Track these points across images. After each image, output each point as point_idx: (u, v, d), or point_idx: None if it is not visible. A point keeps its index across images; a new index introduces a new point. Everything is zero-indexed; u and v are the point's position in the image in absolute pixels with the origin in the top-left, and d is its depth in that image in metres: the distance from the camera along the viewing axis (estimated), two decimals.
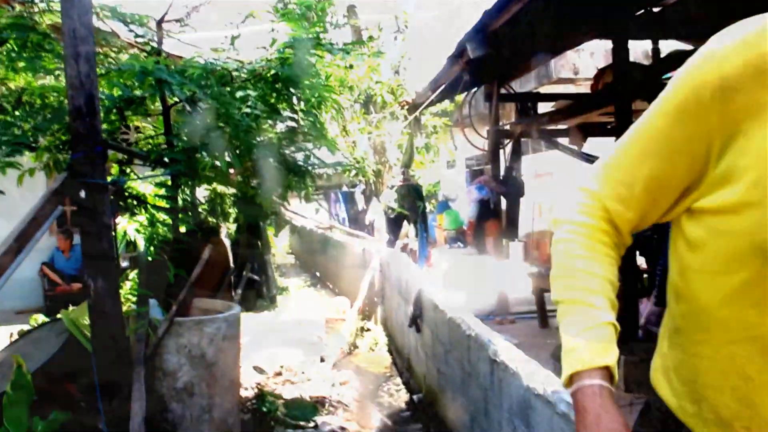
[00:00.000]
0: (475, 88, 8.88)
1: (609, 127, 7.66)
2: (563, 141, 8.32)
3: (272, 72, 4.77)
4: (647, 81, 6.28)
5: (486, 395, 4.09)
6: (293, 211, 9.11)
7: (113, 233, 3.65)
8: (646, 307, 5.89)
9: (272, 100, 4.96)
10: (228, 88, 4.53)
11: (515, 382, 3.47)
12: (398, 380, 7.39)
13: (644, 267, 6.48)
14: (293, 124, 5.22)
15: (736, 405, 1.03)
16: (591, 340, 1.07)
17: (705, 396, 1.08)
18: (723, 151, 1.02)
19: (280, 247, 20.98)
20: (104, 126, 4.45)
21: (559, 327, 1.16)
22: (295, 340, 8.93)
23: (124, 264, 6.23)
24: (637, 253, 6.07)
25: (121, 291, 4.46)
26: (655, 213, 1.15)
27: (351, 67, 12.77)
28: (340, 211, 17.67)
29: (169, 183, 4.91)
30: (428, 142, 13.73)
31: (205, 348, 4.02)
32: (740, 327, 1.02)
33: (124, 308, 4.05)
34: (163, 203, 4.93)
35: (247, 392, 6.16)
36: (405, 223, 11.28)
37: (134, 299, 4.44)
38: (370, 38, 14.08)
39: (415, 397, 6.37)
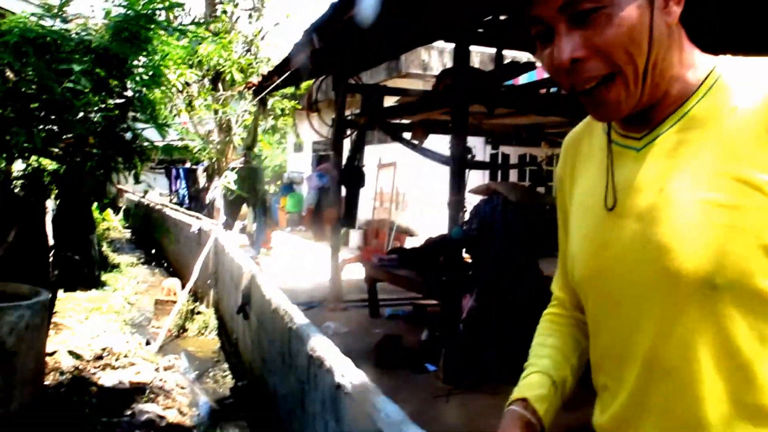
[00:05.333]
0: (324, 76, 8.88)
1: (449, 125, 7.91)
2: (407, 135, 8.49)
3: (102, 45, 4.53)
4: (485, 87, 6.53)
5: (303, 388, 4.14)
6: (123, 189, 8.70)
7: None
8: (467, 302, 6.17)
9: (102, 74, 4.71)
10: (49, 57, 4.23)
11: (328, 378, 3.54)
12: (226, 366, 7.31)
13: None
14: (123, 100, 4.98)
15: None
16: (520, 385, 1.37)
17: None
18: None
19: (116, 221, 20.03)
20: None
21: None
22: (120, 321, 8.60)
23: None
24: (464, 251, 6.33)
25: None
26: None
27: (200, 42, 12.44)
28: (180, 188, 17.11)
29: None
30: (275, 124, 13.58)
31: (5, 337, 3.77)
32: None
33: None
34: None
35: (63, 377, 5.87)
36: (244, 205, 11.11)
37: None
38: (224, 12, 13.73)
39: (239, 384, 6.33)
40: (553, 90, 7.63)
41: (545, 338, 1.45)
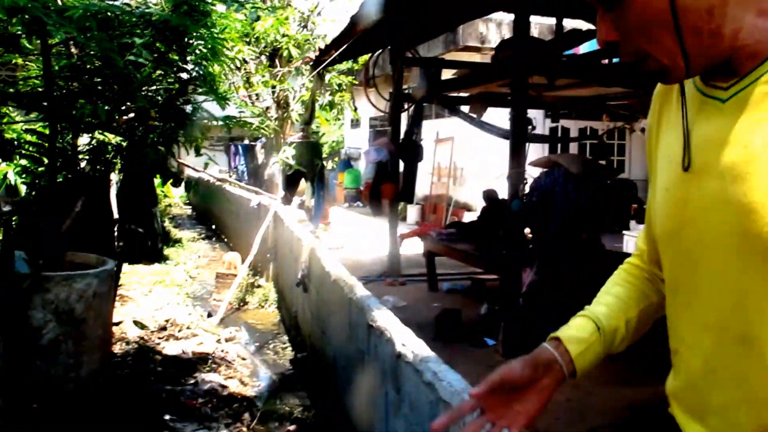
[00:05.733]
0: (380, 50, 8.82)
1: (508, 98, 7.78)
2: (465, 108, 8.38)
3: (162, 18, 4.57)
4: (546, 57, 6.38)
5: (363, 359, 4.14)
6: (184, 163, 8.86)
7: None
8: (528, 276, 6.09)
9: (162, 48, 4.76)
10: (112, 32, 4.29)
11: (388, 349, 3.52)
12: (285, 338, 7.40)
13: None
14: (184, 75, 5.04)
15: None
16: (562, 327, 1.31)
17: None
18: None
19: (177, 197, 20.48)
20: None
21: None
22: (183, 294, 8.79)
23: (5, 208, 5.93)
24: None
25: None
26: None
27: (258, 18, 12.51)
28: (239, 165, 17.37)
29: (45, 130, 4.66)
30: (332, 99, 13.61)
31: (74, 304, 3.87)
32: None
33: None
34: (32, 150, 4.69)
35: (129, 347, 6.03)
36: (302, 180, 11.19)
37: None
38: None
39: (299, 355, 6.40)
40: (615, 60, 7.43)
41: (611, 286, 1.39)
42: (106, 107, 4.26)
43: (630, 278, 1.39)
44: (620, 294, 1.36)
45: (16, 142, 4.95)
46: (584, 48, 7.84)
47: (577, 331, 1.28)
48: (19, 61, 5.54)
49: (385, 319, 3.76)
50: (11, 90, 4.92)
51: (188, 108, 5.03)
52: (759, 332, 0.98)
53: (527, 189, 6.14)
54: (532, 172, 6.45)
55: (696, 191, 1.06)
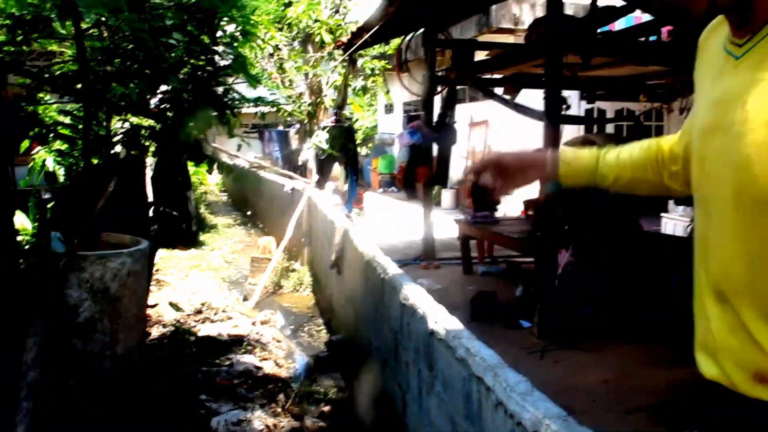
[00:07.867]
0: (413, 33, 8.75)
1: (543, 78, 7.64)
2: (499, 91, 8.26)
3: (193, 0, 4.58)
4: (580, 35, 6.25)
5: (396, 338, 4.12)
6: (219, 148, 8.91)
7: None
8: (563, 257, 5.99)
9: (195, 32, 4.76)
10: (143, 14, 4.30)
11: (421, 326, 3.49)
12: (320, 321, 7.43)
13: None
14: (217, 58, 5.05)
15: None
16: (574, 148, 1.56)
17: None
18: None
19: (213, 185, 20.69)
20: (7, 48, 4.21)
21: None
22: (219, 278, 8.87)
23: (46, 196, 6.02)
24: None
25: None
26: None
27: (290, 4, 12.50)
28: (274, 151, 17.45)
29: (80, 113, 4.71)
30: (365, 84, 13.57)
31: (109, 283, 3.92)
32: None
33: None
34: (67, 132, 4.74)
35: (165, 329, 6.10)
36: (336, 164, 11.19)
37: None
38: None
39: (334, 338, 6.41)
40: (652, 38, 7.25)
41: (636, 145, 1.48)
42: (137, 89, 4.27)
43: (648, 150, 1.45)
44: (633, 155, 1.46)
45: (51, 127, 5.00)
46: (620, 24, 7.67)
47: (574, 160, 1.49)
48: (55, 47, 5.59)
49: (417, 297, 3.73)
50: (47, 75, 4.96)
51: (220, 90, 5.03)
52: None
53: None
54: None
55: (710, 146, 1.08)
